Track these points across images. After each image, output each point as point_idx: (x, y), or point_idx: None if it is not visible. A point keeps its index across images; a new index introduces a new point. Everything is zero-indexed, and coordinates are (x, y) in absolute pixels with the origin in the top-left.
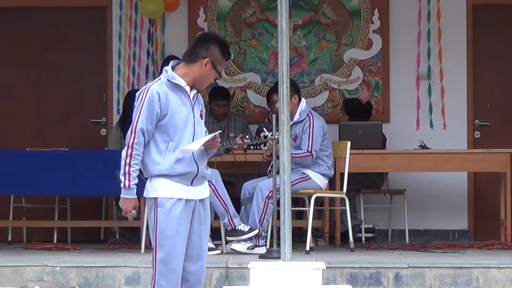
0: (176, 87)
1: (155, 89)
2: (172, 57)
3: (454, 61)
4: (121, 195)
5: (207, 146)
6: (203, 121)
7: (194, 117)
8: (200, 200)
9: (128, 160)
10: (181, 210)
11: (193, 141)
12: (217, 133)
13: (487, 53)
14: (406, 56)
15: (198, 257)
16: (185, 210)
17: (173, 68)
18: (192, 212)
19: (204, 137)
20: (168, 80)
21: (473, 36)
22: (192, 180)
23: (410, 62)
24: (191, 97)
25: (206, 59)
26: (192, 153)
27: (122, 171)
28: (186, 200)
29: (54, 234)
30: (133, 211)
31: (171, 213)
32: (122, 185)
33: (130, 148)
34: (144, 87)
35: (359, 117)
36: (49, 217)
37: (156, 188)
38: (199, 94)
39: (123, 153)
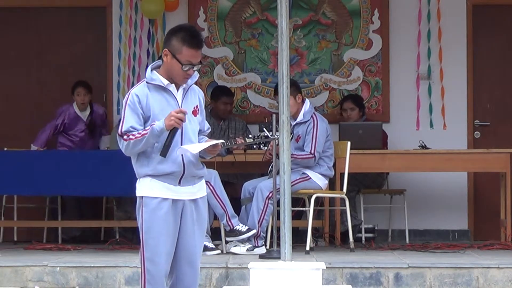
0: (158, 87)
1: (134, 92)
2: None
3: (454, 61)
4: (163, 127)
5: (207, 151)
6: (200, 117)
7: None
8: (192, 200)
9: (130, 138)
10: (166, 209)
11: (181, 138)
12: (220, 142)
13: (487, 53)
14: (406, 56)
15: (191, 258)
16: (172, 210)
17: (158, 67)
18: (182, 212)
19: (205, 143)
20: (147, 82)
21: (473, 36)
22: (180, 180)
23: (410, 62)
24: (176, 94)
25: (164, 49)
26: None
27: (138, 144)
28: (173, 200)
29: (58, 234)
30: (179, 118)
31: (155, 212)
32: (153, 134)
33: (124, 136)
34: (128, 92)
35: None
36: (50, 217)
37: (141, 188)
38: (196, 90)
39: (123, 147)
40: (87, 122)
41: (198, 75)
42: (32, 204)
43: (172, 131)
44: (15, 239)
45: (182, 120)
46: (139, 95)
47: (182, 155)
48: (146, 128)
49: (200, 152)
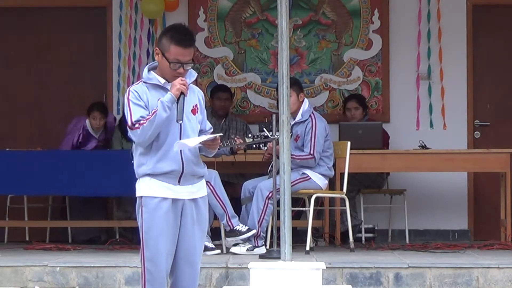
0: (156, 86)
1: (133, 89)
2: None
3: (454, 61)
4: (171, 97)
5: (205, 145)
6: (200, 116)
7: None
8: (192, 200)
9: (141, 123)
10: (166, 209)
11: (180, 136)
12: (218, 135)
13: (487, 53)
14: (406, 56)
15: (190, 258)
16: (172, 210)
17: (155, 68)
18: (182, 212)
19: (203, 136)
20: (144, 82)
21: (473, 36)
22: (179, 179)
23: (410, 62)
24: None
25: (155, 48)
26: (180, 150)
27: (151, 124)
28: (173, 199)
29: (57, 234)
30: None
31: (155, 212)
32: (163, 106)
33: (136, 125)
34: (126, 90)
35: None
36: (52, 217)
37: (141, 188)
38: (195, 89)
39: (137, 135)
40: (100, 139)
41: (196, 74)
42: (32, 204)
43: (180, 98)
44: (27, 239)
45: (185, 85)
46: (138, 91)
47: (181, 152)
48: (154, 109)
49: (201, 149)
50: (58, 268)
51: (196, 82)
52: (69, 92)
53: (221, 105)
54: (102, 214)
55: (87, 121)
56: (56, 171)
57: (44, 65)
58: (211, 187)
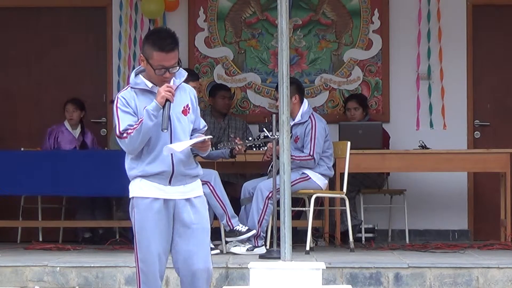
0: (144, 91)
1: (121, 96)
2: None
3: (454, 61)
4: (156, 105)
5: (196, 148)
6: (193, 115)
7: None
8: (185, 200)
9: (129, 132)
10: (157, 209)
11: (171, 138)
12: (207, 137)
13: (487, 53)
14: (406, 56)
15: (186, 259)
16: (164, 210)
17: (143, 71)
18: (174, 212)
19: (192, 140)
20: (132, 87)
21: (473, 36)
22: (170, 180)
23: (410, 62)
24: None
25: (140, 55)
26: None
27: (138, 134)
28: (165, 200)
29: (60, 234)
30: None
31: (146, 212)
32: (149, 114)
33: (124, 134)
34: (115, 97)
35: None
36: (50, 217)
37: (133, 189)
38: (187, 89)
39: (125, 144)
40: (79, 144)
41: (186, 73)
42: (28, 205)
43: (166, 105)
44: (40, 239)
45: (171, 92)
46: (126, 98)
47: (172, 154)
48: (141, 117)
49: (194, 150)
50: (58, 268)
51: (197, 83)
52: (69, 92)
53: (225, 103)
54: (104, 214)
55: (65, 122)
56: (55, 171)
57: (44, 65)
58: (211, 187)
